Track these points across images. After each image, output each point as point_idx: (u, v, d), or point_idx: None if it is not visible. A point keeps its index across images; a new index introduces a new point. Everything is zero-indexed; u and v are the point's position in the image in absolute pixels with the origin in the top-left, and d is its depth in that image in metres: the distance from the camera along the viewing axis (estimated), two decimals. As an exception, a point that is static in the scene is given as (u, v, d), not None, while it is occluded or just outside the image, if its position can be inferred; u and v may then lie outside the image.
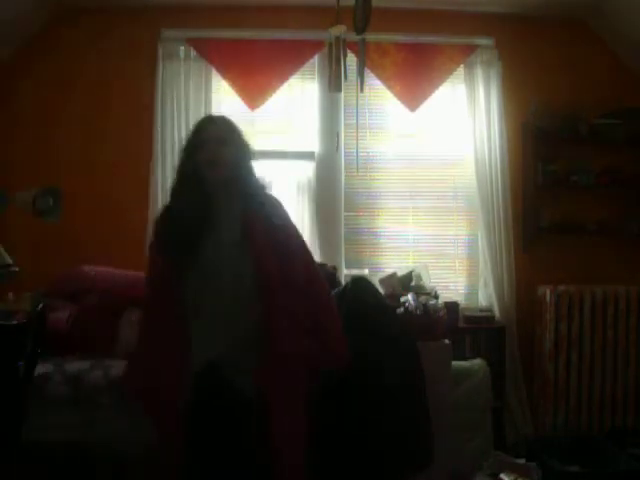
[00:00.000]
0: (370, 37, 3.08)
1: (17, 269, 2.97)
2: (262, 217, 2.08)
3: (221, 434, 1.98)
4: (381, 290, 3.25)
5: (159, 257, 2.06)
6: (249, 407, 1.99)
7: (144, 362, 2.10)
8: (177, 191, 2.11)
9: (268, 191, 2.19)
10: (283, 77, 3.78)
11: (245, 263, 2.01)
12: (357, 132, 3.79)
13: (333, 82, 3.03)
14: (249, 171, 2.13)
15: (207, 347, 2.01)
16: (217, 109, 3.82)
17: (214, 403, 2.00)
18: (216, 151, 2.05)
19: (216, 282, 2.00)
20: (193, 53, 3.78)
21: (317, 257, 3.74)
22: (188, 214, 2.03)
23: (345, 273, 3.81)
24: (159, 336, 2.05)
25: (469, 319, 3.74)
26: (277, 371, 2.02)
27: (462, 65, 3.87)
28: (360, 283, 2.96)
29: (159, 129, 3.70)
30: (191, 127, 2.18)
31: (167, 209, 2.13)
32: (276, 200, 2.21)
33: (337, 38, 2.96)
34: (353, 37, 2.99)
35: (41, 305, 2.82)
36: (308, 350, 2.12)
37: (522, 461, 3.13)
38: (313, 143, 3.91)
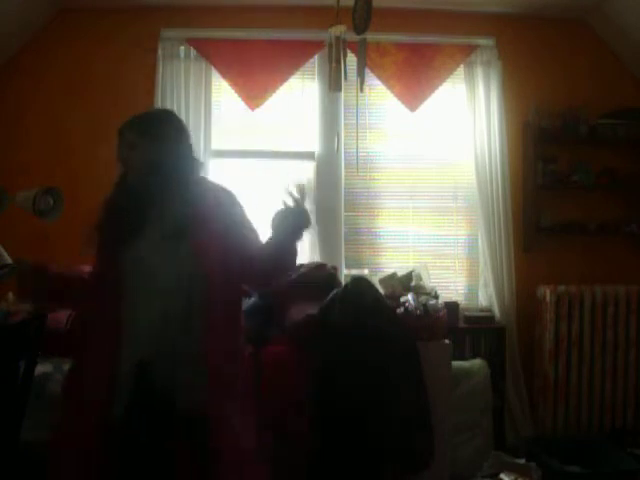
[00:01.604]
0: (370, 37, 3.08)
1: (17, 269, 2.97)
2: (201, 212, 1.98)
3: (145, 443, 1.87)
4: (381, 290, 3.25)
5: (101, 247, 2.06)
6: (180, 419, 1.87)
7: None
8: (113, 191, 2.14)
9: (206, 185, 2.10)
10: (283, 77, 3.78)
11: (180, 260, 1.93)
12: (357, 132, 3.79)
13: (333, 82, 3.03)
14: (171, 170, 2.02)
15: (136, 346, 1.90)
16: (217, 109, 3.83)
17: (138, 412, 1.87)
18: (126, 157, 2.04)
19: (144, 280, 1.94)
20: (193, 53, 3.78)
21: (317, 257, 3.75)
22: (120, 214, 2.04)
23: (345, 273, 3.81)
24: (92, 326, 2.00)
25: (469, 319, 3.74)
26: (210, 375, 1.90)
27: (462, 65, 3.87)
28: (360, 283, 2.96)
29: (159, 129, 3.70)
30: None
31: (105, 203, 2.14)
32: (223, 192, 2.09)
33: (337, 38, 2.96)
34: (353, 37, 3.00)
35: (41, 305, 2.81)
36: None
37: (522, 461, 3.13)
38: (313, 143, 3.91)
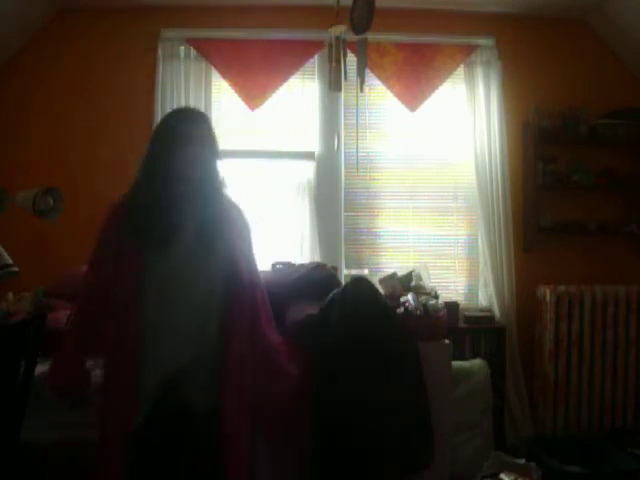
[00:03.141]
0: (370, 37, 3.08)
1: (17, 269, 2.97)
2: (232, 218, 2.03)
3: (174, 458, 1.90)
4: (381, 290, 3.25)
5: (123, 246, 1.93)
6: (206, 428, 1.89)
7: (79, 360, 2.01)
8: (147, 183, 1.98)
9: (227, 197, 2.10)
10: (283, 77, 3.78)
11: (214, 266, 1.94)
12: (357, 132, 3.79)
13: (333, 82, 3.03)
14: (218, 171, 2.04)
15: (168, 358, 1.87)
16: (217, 109, 3.83)
17: (169, 424, 1.88)
18: (195, 151, 1.96)
19: (180, 285, 1.90)
20: (193, 53, 3.78)
21: (317, 257, 3.75)
22: (160, 211, 1.92)
23: (345, 273, 3.81)
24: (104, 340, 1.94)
25: (469, 319, 3.74)
26: (234, 387, 1.93)
27: (462, 65, 3.88)
28: (360, 283, 2.95)
29: (159, 129, 3.70)
30: (170, 115, 2.06)
31: (135, 199, 1.98)
32: (235, 202, 2.14)
33: (337, 38, 2.96)
34: (353, 37, 3.00)
35: (41, 305, 2.82)
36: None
37: (522, 461, 3.12)
38: (313, 143, 3.91)
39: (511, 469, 3.01)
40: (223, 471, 1.89)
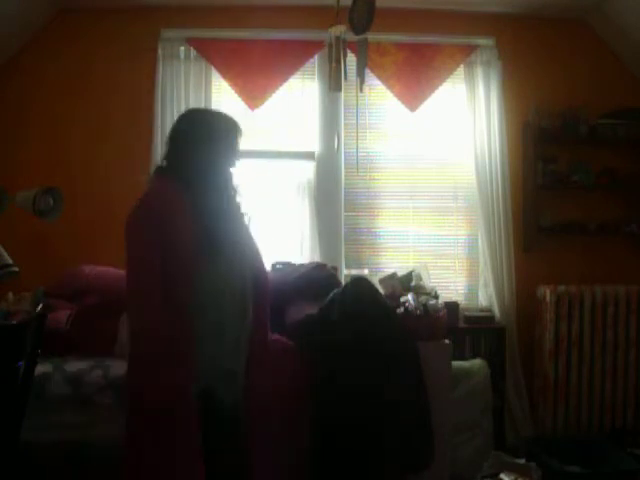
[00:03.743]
0: (370, 37, 3.08)
1: (17, 269, 2.97)
2: (248, 227, 2.18)
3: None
4: (381, 290, 3.25)
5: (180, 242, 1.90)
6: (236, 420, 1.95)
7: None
8: (206, 188, 2.04)
9: None
10: (283, 77, 3.78)
11: (250, 268, 2.04)
12: (357, 132, 3.79)
13: (333, 82, 3.03)
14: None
15: (218, 351, 1.91)
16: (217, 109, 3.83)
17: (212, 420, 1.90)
18: (234, 159, 2.21)
19: (232, 290, 1.95)
20: (193, 53, 3.78)
21: (317, 257, 3.75)
22: (214, 222, 1.97)
23: (345, 273, 3.81)
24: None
25: (469, 319, 3.74)
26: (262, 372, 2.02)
27: (462, 65, 3.88)
28: (360, 283, 2.96)
29: (159, 129, 3.70)
30: (227, 122, 2.17)
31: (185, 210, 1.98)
32: None
33: (337, 38, 2.96)
34: (353, 37, 3.00)
35: (41, 305, 2.82)
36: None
37: (522, 461, 3.12)
38: (313, 143, 3.91)
39: (511, 469, 3.01)
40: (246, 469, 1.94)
